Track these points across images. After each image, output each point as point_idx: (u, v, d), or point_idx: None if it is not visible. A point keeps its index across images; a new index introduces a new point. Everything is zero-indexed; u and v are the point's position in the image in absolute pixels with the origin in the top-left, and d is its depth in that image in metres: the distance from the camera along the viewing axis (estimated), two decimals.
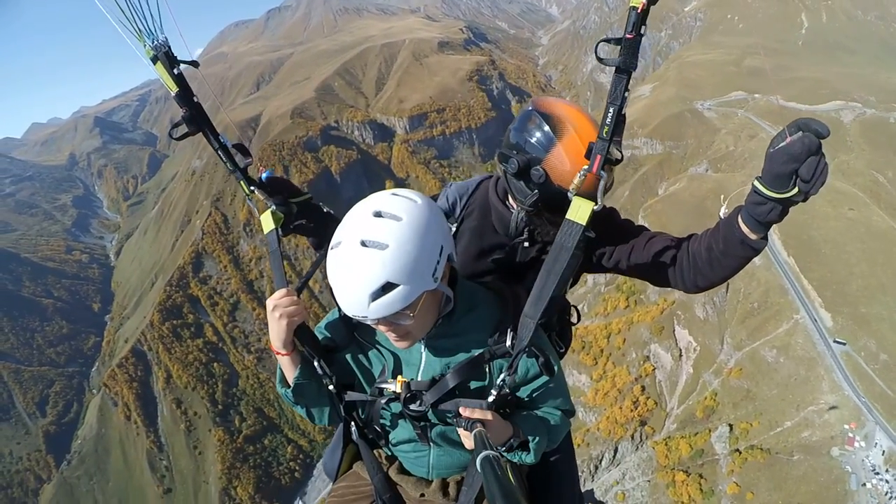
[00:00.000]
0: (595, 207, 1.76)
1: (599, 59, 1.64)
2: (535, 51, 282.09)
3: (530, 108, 2.12)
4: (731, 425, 51.21)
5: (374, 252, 1.57)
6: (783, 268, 58.51)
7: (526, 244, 2.38)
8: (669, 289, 2.31)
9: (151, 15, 2.00)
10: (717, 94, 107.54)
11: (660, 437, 57.17)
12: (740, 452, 48.64)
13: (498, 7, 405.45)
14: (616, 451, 59.95)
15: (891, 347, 49.02)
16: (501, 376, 1.89)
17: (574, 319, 2.68)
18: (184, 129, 2.26)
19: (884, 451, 42.64)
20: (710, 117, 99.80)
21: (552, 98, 2.13)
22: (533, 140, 2.04)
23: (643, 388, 61.98)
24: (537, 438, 1.95)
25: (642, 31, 1.57)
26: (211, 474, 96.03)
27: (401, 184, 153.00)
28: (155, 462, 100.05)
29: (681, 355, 60.56)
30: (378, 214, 1.64)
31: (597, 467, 59.75)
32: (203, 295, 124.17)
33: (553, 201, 2.03)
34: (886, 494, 40.45)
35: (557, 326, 2.54)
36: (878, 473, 41.88)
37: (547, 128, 2.01)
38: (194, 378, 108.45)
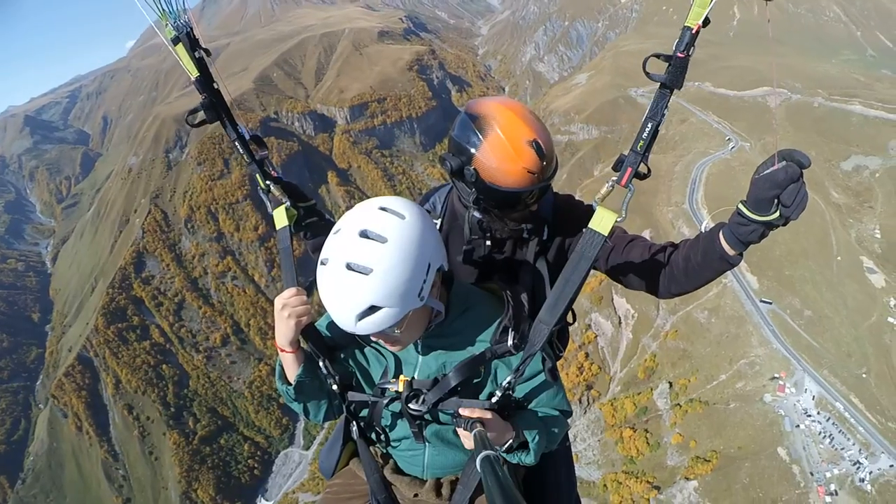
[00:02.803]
0: (618, 219, 1.79)
1: (647, 75, 1.65)
2: (474, 41, 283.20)
3: (462, 110, 2.18)
4: (670, 383, 54.27)
5: (358, 277, 1.57)
6: None
7: (488, 243, 2.41)
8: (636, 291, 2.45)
9: None
10: (650, 83, 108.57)
11: (605, 399, 59.86)
12: (681, 406, 51.67)
13: None
14: None
15: (814, 305, 52.60)
16: (508, 378, 1.91)
17: (570, 320, 2.67)
18: (201, 116, 2.27)
19: (814, 396, 45.92)
20: (643, 103, 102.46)
21: (488, 98, 2.17)
22: (464, 141, 2.08)
23: (587, 354, 64.53)
24: (537, 439, 1.95)
25: (691, 52, 1.59)
26: (169, 479, 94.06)
27: (343, 175, 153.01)
28: (111, 472, 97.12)
29: (620, 322, 63.28)
30: (364, 235, 1.62)
31: None
32: (147, 296, 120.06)
33: (492, 200, 2.14)
34: (819, 434, 43.71)
35: (558, 328, 2.56)
36: (809, 416, 45.10)
37: (474, 128, 2.05)
38: (144, 382, 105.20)
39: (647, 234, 63.65)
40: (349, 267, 1.59)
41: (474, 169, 2.05)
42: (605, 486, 53.64)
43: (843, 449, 42.62)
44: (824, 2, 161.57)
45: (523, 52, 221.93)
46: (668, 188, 72.60)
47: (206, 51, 2.18)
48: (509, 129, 1.99)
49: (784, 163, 1.61)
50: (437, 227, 2.47)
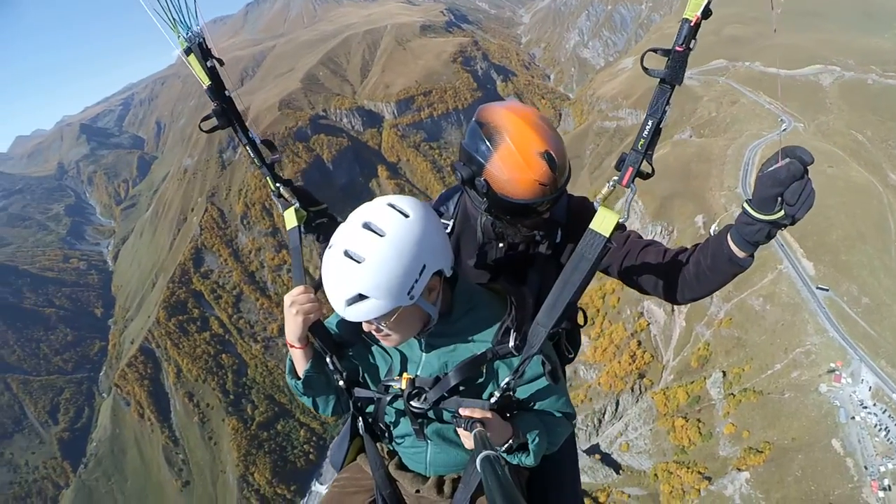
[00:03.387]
0: (620, 219, 1.76)
1: (645, 70, 1.64)
2: (517, 29, 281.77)
3: (474, 118, 2.16)
4: (724, 371, 53.45)
5: (351, 264, 1.65)
6: None
7: (500, 245, 2.43)
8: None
9: (186, 5, 2.05)
10: (698, 64, 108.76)
11: (658, 388, 59.56)
12: (734, 395, 50.92)
13: None
14: (617, 404, 62.47)
15: (872, 291, 50.95)
16: (507, 379, 1.92)
17: (581, 322, 2.74)
18: (213, 122, 2.33)
19: (870, 387, 44.47)
20: (691, 85, 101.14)
21: (499, 105, 2.15)
22: (474, 151, 2.07)
23: (639, 342, 64.04)
24: (537, 440, 1.98)
25: (691, 46, 1.55)
26: (227, 463, 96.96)
27: (393, 168, 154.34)
28: (171, 457, 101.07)
29: (673, 310, 62.21)
30: (366, 226, 1.70)
31: (600, 421, 62.31)
32: (206, 289, 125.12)
33: (503, 210, 2.12)
34: (875, 426, 42.22)
35: (567, 329, 2.60)
36: (865, 407, 43.58)
37: (484, 138, 2.03)
38: (204, 370, 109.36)
39: (699, 220, 63.12)
40: (346, 253, 1.66)
41: (485, 180, 2.04)
42: (655, 475, 53.53)
43: None
44: None
45: (567, 39, 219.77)
46: (721, 172, 70.79)
47: (219, 60, 2.27)
48: (520, 139, 1.97)
49: (787, 160, 1.58)
50: (449, 228, 2.54)
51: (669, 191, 69.25)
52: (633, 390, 61.84)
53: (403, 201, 1.80)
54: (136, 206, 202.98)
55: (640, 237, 2.36)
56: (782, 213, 1.63)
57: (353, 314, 1.72)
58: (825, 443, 42.69)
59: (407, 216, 1.74)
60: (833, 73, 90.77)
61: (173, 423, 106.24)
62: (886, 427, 42.05)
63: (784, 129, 78.32)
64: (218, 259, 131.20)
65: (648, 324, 65.13)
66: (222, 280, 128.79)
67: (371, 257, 1.65)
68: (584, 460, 56.12)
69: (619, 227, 2.15)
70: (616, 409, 62.43)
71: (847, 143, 72.61)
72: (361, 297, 1.67)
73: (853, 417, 43.54)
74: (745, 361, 52.48)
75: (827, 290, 52.01)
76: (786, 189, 1.58)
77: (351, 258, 1.66)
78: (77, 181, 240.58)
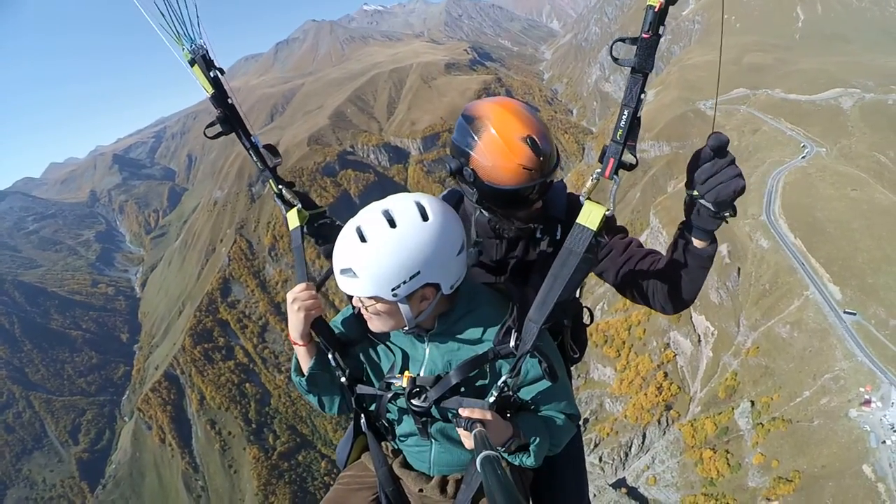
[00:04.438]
0: (607, 213, 1.76)
1: (615, 59, 1.66)
2: (539, 66, 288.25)
3: (461, 113, 2.20)
4: (752, 401, 52.88)
5: (355, 240, 1.73)
6: (791, 250, 60.23)
7: (498, 242, 2.45)
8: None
9: (189, 20, 2.13)
10: (720, 94, 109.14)
11: (685, 419, 58.84)
12: (763, 425, 50.33)
13: (500, 26, 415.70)
14: (644, 436, 61.51)
15: None
16: (503, 377, 1.92)
17: (587, 321, 2.75)
18: (217, 129, 2.40)
19: None
20: (713, 116, 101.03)
21: (485, 99, 2.19)
22: (461, 143, 2.11)
23: (666, 374, 63.49)
24: (538, 441, 1.97)
25: (660, 32, 1.54)
26: (247, 492, 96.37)
27: None
28: (190, 483, 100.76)
29: (699, 340, 62.11)
30: (385, 213, 1.76)
31: (626, 454, 61.20)
32: (232, 318, 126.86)
33: (493, 199, 2.16)
34: None
35: (569, 328, 2.59)
36: None
37: (470, 129, 2.07)
38: (227, 399, 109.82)
39: (724, 249, 62.35)
40: (358, 229, 1.74)
41: (472, 169, 2.09)
42: None
43: None
44: None
45: (589, 74, 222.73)
46: (744, 200, 69.14)
47: (221, 70, 2.34)
48: (502, 126, 2.01)
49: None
50: None
51: None
52: (659, 423, 61.03)
53: (432, 204, 1.83)
54: (166, 236, 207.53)
55: (641, 245, 2.34)
56: (696, 192, 1.70)
57: (342, 283, 1.79)
58: (856, 468, 42.05)
59: (426, 219, 1.77)
60: (853, 96, 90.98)
61: (194, 450, 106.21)
62: None
63: (804, 156, 78.44)
64: (245, 289, 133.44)
65: (675, 355, 64.60)
66: (248, 310, 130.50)
67: (373, 242, 1.71)
68: (610, 494, 55.08)
69: (621, 230, 2.40)
70: (643, 442, 61.40)
71: (870, 165, 72.78)
72: (351, 272, 1.74)
73: (884, 442, 42.90)
74: (773, 390, 51.98)
75: (854, 314, 51.68)
76: (698, 169, 1.64)
77: (358, 235, 1.73)
78: (108, 209, 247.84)
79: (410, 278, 1.75)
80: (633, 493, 57.75)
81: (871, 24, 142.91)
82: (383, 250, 1.71)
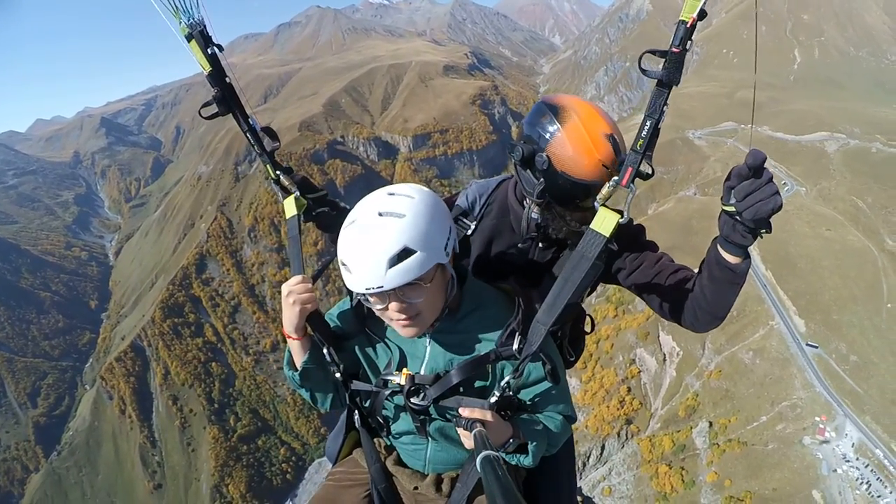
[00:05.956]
0: (621, 220, 1.74)
1: (643, 71, 1.59)
2: (536, 78, 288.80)
3: (539, 101, 2.18)
4: (710, 422, 54.03)
5: (392, 219, 1.62)
6: (761, 280, 62.03)
7: (541, 244, 2.40)
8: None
9: None
10: (708, 124, 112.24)
11: (644, 434, 59.86)
12: (719, 445, 51.30)
13: (502, 35, 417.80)
14: (603, 448, 62.38)
15: (861, 350, 52.29)
16: (506, 378, 1.89)
17: (588, 329, 2.75)
18: (214, 109, 2.32)
19: (853, 443, 45.34)
20: (700, 145, 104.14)
21: (563, 94, 2.20)
22: (538, 128, 2.08)
23: (629, 388, 64.50)
24: (536, 442, 1.96)
25: (688, 47, 1.52)
26: (203, 471, 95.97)
27: None
28: (147, 457, 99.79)
29: (665, 359, 63.35)
30: (391, 194, 1.72)
31: (584, 464, 61.87)
32: (205, 296, 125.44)
33: (560, 191, 2.09)
34: (857, 480, 42.94)
35: (570, 334, 2.61)
36: (848, 461, 44.25)
37: (551, 116, 2.05)
38: (192, 376, 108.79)
39: None
40: (381, 214, 1.64)
41: (547, 156, 2.03)
42: None
43: (879, 496, 41.84)
44: (886, 45, 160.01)
45: (584, 92, 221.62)
46: None
47: (219, 46, 2.26)
48: (589, 120, 2.01)
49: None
50: (470, 230, 2.52)
51: (669, 243, 70.26)
52: (619, 435, 61.95)
53: (411, 188, 1.82)
54: (145, 206, 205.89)
55: (672, 260, 2.31)
56: (732, 207, 1.62)
57: (397, 275, 1.61)
58: (806, 493, 43.21)
59: (423, 189, 1.81)
60: (839, 141, 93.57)
61: (153, 424, 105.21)
62: (868, 481, 42.82)
63: (787, 192, 79.83)
64: (221, 268, 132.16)
65: (640, 371, 65.75)
66: (222, 289, 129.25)
67: (411, 212, 1.65)
68: None
69: (651, 244, 2.36)
70: (601, 454, 62.26)
71: (847, 208, 74.67)
72: (405, 252, 1.61)
73: (835, 470, 44.16)
74: (731, 413, 53.19)
75: (816, 346, 53.42)
76: (738, 184, 1.58)
77: (391, 215, 1.64)
78: (90, 172, 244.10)
79: (450, 233, 1.76)
80: (587, 502, 58.11)
81: (867, 74, 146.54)
82: (424, 214, 1.67)
